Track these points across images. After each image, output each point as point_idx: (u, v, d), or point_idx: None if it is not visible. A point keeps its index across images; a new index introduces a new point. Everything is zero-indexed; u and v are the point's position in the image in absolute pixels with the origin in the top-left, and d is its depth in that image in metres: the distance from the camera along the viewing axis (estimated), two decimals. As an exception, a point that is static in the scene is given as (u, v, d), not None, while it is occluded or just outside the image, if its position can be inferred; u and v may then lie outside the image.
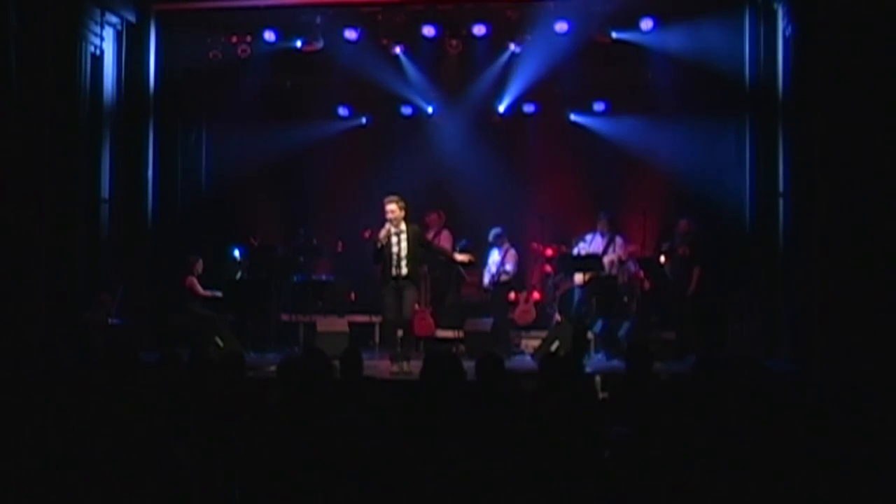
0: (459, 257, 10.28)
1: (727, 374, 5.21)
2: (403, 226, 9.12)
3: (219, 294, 11.11)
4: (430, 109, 12.60)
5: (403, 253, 9.07)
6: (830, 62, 8.28)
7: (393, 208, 9.04)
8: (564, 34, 11.66)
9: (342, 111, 12.76)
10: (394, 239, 9.08)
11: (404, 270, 9.09)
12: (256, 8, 11.80)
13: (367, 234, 11.91)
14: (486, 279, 11.13)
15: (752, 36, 10.82)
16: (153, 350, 8.47)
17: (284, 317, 11.38)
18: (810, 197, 8.81)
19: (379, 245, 9.11)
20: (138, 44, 11.51)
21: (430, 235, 11.21)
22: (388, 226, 9.06)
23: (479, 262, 11.26)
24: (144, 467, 4.28)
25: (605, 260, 10.57)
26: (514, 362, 10.19)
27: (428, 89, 12.48)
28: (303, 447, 4.30)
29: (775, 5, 10.38)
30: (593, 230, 10.83)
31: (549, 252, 11.70)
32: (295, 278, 11.60)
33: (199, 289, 11.00)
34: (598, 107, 12.23)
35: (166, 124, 11.95)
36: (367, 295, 12.04)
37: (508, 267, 10.91)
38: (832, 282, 8.21)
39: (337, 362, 5.79)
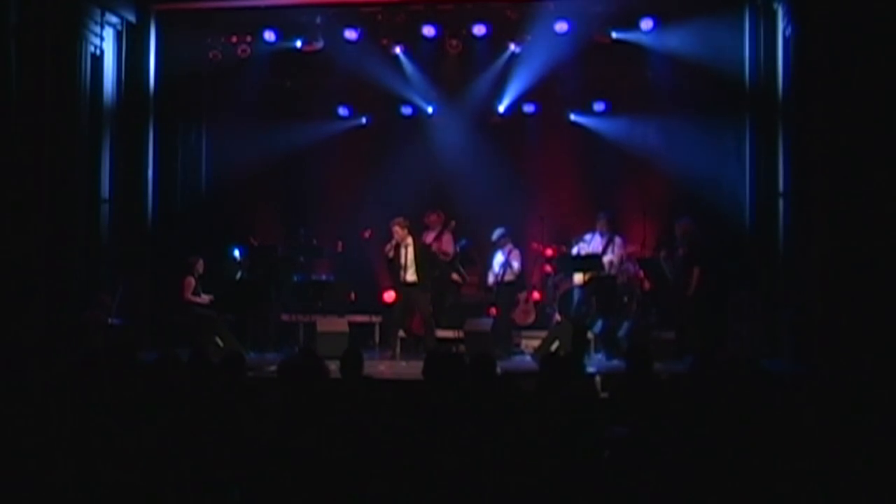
0: (454, 277, 11.34)
1: (727, 374, 5.21)
2: (409, 240, 10.50)
3: (206, 298, 10.92)
4: (430, 109, 12.58)
5: (410, 262, 10.46)
6: (830, 62, 8.28)
7: (396, 230, 10.47)
8: (564, 34, 11.68)
9: (342, 111, 12.74)
10: (401, 251, 10.47)
11: (410, 277, 10.47)
12: (256, 8, 11.82)
13: (366, 235, 11.92)
14: (490, 279, 11.14)
15: (752, 36, 10.83)
16: (153, 350, 8.47)
17: (284, 317, 11.37)
18: (810, 197, 8.81)
19: (390, 256, 10.57)
20: (138, 44, 11.51)
21: (431, 236, 11.25)
22: (393, 241, 10.49)
23: (481, 265, 11.33)
24: (144, 467, 4.28)
25: (605, 260, 10.58)
26: (514, 362, 10.21)
27: (428, 89, 12.46)
28: (303, 447, 4.30)
29: (775, 5, 10.39)
30: (593, 230, 10.84)
31: (549, 252, 11.69)
32: (295, 278, 11.59)
33: (188, 293, 10.75)
34: (598, 107, 12.21)
35: (166, 124, 11.94)
36: (367, 295, 12.08)
37: (515, 265, 10.94)
38: (832, 282, 8.21)
39: (336, 362, 5.81)
